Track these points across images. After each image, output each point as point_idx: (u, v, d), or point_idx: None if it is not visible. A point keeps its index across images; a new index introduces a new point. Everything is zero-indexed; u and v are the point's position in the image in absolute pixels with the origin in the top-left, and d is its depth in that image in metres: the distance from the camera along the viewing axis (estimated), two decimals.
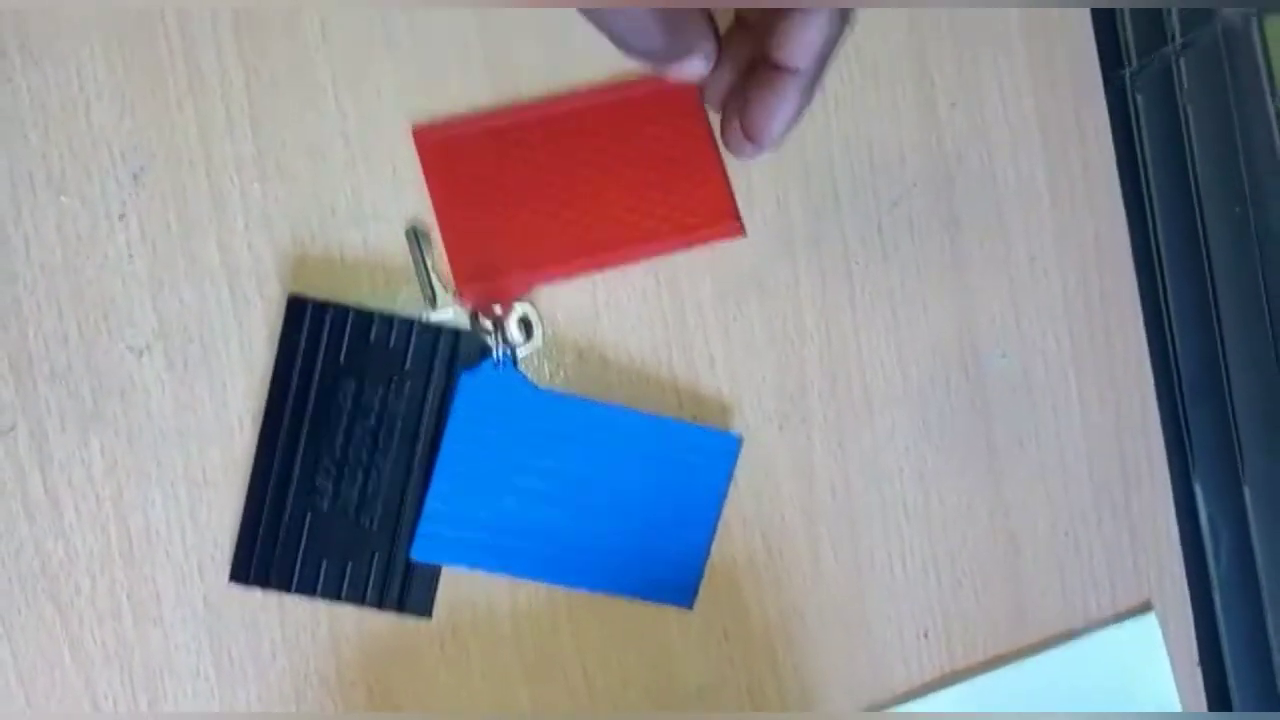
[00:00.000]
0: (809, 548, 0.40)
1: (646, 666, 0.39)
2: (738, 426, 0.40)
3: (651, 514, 0.37)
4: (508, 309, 0.37)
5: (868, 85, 0.41)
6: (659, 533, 0.37)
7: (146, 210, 0.38)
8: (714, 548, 0.39)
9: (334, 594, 0.36)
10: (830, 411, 0.41)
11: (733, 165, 0.40)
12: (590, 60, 0.39)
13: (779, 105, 0.32)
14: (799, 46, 0.31)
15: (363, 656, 0.38)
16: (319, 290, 0.38)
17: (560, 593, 0.39)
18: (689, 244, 0.36)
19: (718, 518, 0.38)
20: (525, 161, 0.35)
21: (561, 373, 0.39)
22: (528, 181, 0.35)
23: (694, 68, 0.32)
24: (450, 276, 0.38)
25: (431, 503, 0.36)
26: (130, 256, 0.38)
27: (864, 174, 0.41)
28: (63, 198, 0.37)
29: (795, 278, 0.41)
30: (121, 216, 0.38)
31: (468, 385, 0.36)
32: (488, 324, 0.36)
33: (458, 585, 0.38)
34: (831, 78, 0.41)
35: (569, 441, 0.37)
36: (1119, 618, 0.41)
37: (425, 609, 0.37)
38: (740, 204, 0.40)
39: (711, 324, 0.40)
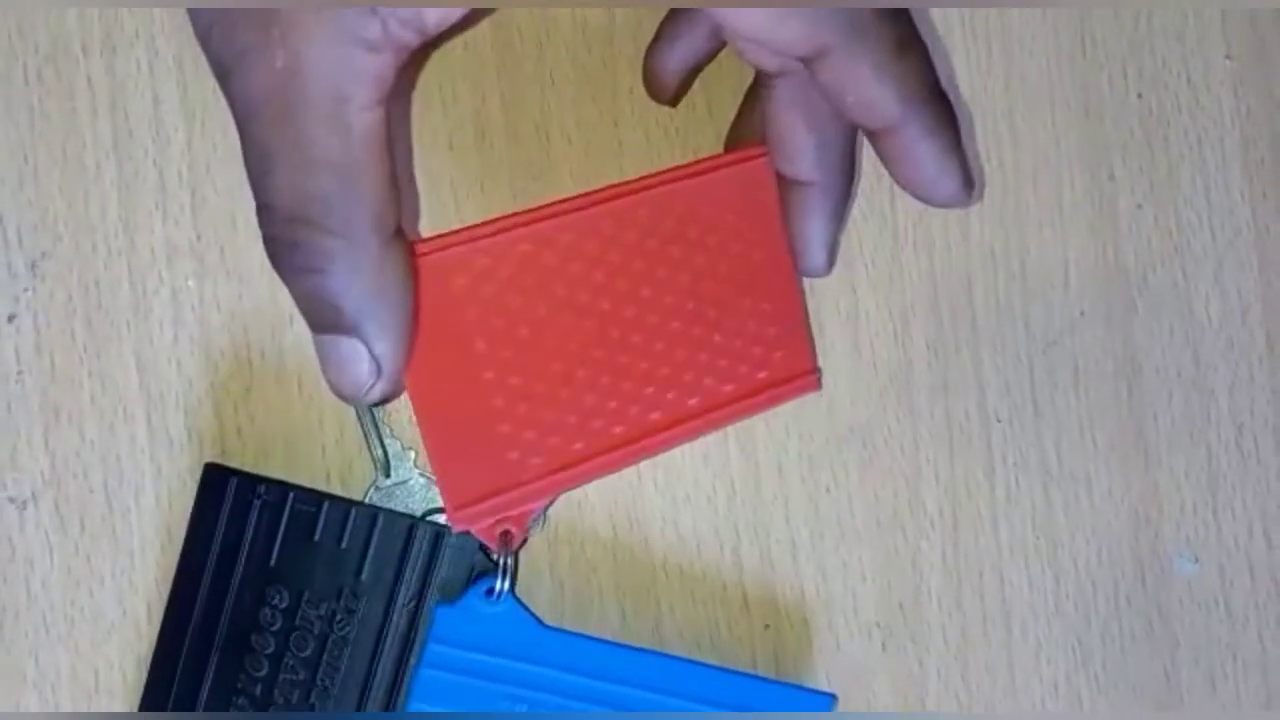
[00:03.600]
0: None
1: None
2: (825, 642, 0.29)
3: None
4: (522, 533, 0.26)
5: (1023, 176, 0.31)
6: None
7: (45, 312, 0.28)
8: None
9: None
10: (953, 629, 0.30)
11: (836, 283, 0.30)
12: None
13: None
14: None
15: None
16: (270, 435, 0.28)
17: None
18: (758, 408, 0.26)
19: None
20: (547, 293, 0.24)
21: (583, 560, 0.29)
22: (551, 325, 0.24)
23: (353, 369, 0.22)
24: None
25: None
26: (19, 373, 0.28)
27: (1013, 298, 0.30)
28: None
29: (914, 438, 0.30)
30: (11, 318, 0.28)
31: (446, 626, 0.26)
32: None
33: None
34: (974, 167, 0.30)
35: (594, 704, 0.26)
36: None
37: None
38: (846, 333, 0.29)
39: (796, 497, 0.30)
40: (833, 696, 0.27)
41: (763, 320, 0.26)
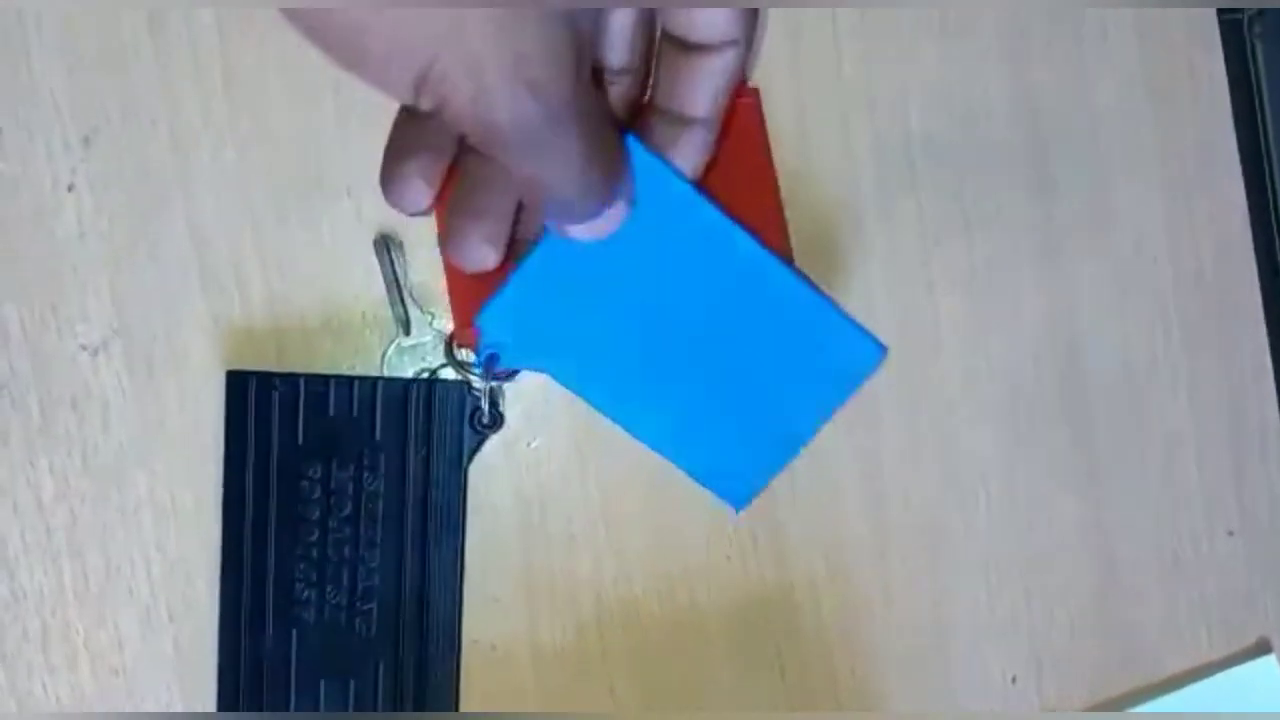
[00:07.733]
0: (877, 575, 0.35)
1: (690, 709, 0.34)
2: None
3: (749, 389, 0.31)
4: None
5: (947, 19, 0.35)
6: (748, 414, 0.31)
7: (100, 180, 0.32)
8: (767, 570, 0.34)
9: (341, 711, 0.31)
10: (904, 412, 0.35)
11: (795, 123, 0.34)
12: None
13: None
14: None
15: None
16: (302, 278, 0.32)
17: (591, 630, 0.34)
18: None
19: (818, 426, 0.32)
20: None
21: None
22: None
23: (615, 218, 0.27)
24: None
25: (518, 281, 0.29)
26: (81, 235, 0.32)
27: (947, 129, 0.35)
28: (0, 165, 0.31)
29: (864, 254, 0.35)
30: (70, 188, 0.32)
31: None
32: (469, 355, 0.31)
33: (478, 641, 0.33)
34: (908, 15, 0.35)
35: (694, 269, 0.30)
36: (1232, 660, 0.36)
37: (448, 706, 0.32)
38: (800, 170, 0.34)
39: None
40: (884, 350, 0.31)
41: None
